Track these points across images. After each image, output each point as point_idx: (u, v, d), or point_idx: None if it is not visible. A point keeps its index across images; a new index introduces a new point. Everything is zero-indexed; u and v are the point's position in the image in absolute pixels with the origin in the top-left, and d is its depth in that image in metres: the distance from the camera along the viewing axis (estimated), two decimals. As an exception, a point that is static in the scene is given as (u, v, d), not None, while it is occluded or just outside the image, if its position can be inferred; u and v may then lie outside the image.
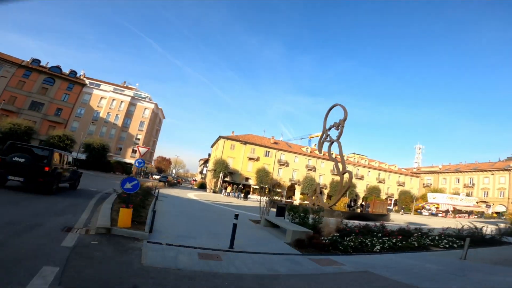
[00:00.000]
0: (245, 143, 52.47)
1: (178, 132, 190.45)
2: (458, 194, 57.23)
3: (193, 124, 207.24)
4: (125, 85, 63.01)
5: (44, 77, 49.31)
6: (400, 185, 65.66)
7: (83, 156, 41.47)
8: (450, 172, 73.92)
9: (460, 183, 69.83)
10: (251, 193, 40.68)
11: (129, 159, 55.03)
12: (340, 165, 21.75)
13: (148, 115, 59.77)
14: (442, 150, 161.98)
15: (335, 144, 22.37)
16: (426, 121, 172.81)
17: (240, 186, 39.29)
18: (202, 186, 49.10)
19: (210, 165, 53.89)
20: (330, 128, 23.02)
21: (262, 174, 47.95)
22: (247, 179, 52.17)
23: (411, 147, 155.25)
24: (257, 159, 52.73)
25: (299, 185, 54.83)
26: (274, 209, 11.74)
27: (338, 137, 21.75)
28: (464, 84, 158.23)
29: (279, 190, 51.95)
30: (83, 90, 54.89)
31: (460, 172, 71.19)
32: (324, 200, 25.19)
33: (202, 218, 11.36)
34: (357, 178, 60.25)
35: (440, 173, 76.36)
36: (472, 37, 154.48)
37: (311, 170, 56.78)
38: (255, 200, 37.71)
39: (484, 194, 63.30)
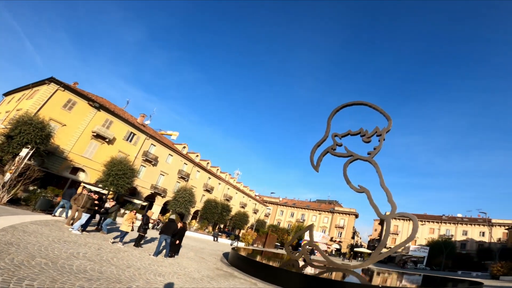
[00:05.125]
0: (99, 106, 29.50)
1: None
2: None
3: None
4: None
5: None
6: (242, 206, 57.16)
7: None
8: (288, 206, 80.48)
9: (294, 217, 76.79)
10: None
11: None
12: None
13: None
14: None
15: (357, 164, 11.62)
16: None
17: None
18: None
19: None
20: (346, 135, 12.78)
21: (121, 169, 26.05)
22: (77, 170, 28.56)
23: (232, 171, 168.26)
24: (112, 141, 30.73)
25: (163, 196, 36.92)
26: None
27: (373, 154, 11.54)
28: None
29: (135, 201, 32.07)
30: None
31: (296, 207, 78.86)
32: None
33: None
34: (226, 199, 50.01)
35: (280, 205, 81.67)
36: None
37: (183, 178, 40.66)
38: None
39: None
